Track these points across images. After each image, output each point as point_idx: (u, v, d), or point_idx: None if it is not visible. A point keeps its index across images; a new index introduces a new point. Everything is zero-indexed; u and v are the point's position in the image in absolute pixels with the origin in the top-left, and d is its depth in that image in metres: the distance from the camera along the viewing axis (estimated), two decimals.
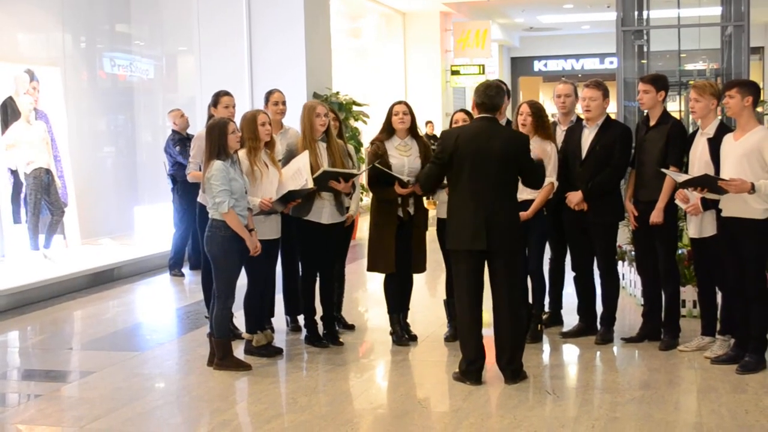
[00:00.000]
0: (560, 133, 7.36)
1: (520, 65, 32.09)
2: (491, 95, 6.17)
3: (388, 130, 7.05)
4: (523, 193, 6.77)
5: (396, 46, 22.56)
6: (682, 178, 6.34)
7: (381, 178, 6.89)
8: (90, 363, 7.09)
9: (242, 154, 6.68)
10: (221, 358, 6.59)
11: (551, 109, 10.51)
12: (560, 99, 7.39)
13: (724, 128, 6.50)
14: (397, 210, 7.01)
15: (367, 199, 14.01)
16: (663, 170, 6.56)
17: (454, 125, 6.98)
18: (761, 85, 26.01)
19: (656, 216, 6.75)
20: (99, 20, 13.74)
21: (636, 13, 14.30)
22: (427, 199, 7.31)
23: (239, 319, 7.22)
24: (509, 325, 6.11)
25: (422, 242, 7.19)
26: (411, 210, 7.07)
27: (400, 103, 7.14)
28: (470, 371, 6.13)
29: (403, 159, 6.96)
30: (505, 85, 6.78)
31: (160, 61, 14.91)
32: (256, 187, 6.70)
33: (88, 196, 12.46)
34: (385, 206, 7.01)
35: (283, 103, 7.58)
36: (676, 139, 6.75)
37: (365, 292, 9.65)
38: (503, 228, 6.04)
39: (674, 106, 18.45)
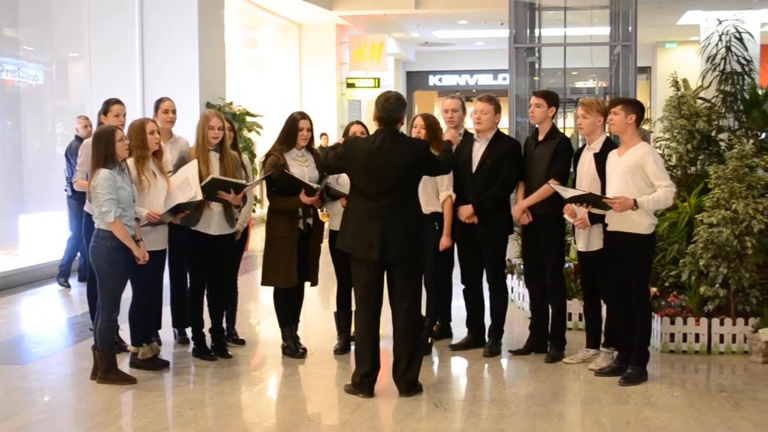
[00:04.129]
0: None
1: (415, 79, 32.39)
2: (390, 109, 6.16)
3: (287, 142, 7.00)
4: (429, 205, 6.83)
5: (292, 57, 22.51)
6: (568, 193, 6.48)
7: (284, 188, 6.85)
8: None
9: (130, 163, 6.56)
10: (105, 371, 6.45)
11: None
12: (447, 114, 7.44)
13: (611, 144, 6.68)
14: (298, 222, 6.97)
15: (261, 210, 13.91)
16: (549, 184, 6.69)
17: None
18: (648, 104, 26.88)
19: (517, 212, 6.98)
20: None
21: (528, 30, 14.59)
22: (322, 211, 7.29)
23: (125, 332, 7.08)
24: (406, 337, 6.11)
25: (318, 255, 7.18)
26: (310, 222, 7.05)
27: (305, 118, 7.08)
28: (363, 383, 6.12)
29: (303, 169, 6.95)
30: (403, 97, 6.81)
31: (50, 67, 14.55)
32: (144, 197, 6.58)
33: None
34: (286, 218, 6.95)
35: (173, 111, 7.47)
36: (562, 154, 6.92)
37: (257, 304, 9.56)
38: (400, 239, 6.05)
39: (566, 122, 18.83)
